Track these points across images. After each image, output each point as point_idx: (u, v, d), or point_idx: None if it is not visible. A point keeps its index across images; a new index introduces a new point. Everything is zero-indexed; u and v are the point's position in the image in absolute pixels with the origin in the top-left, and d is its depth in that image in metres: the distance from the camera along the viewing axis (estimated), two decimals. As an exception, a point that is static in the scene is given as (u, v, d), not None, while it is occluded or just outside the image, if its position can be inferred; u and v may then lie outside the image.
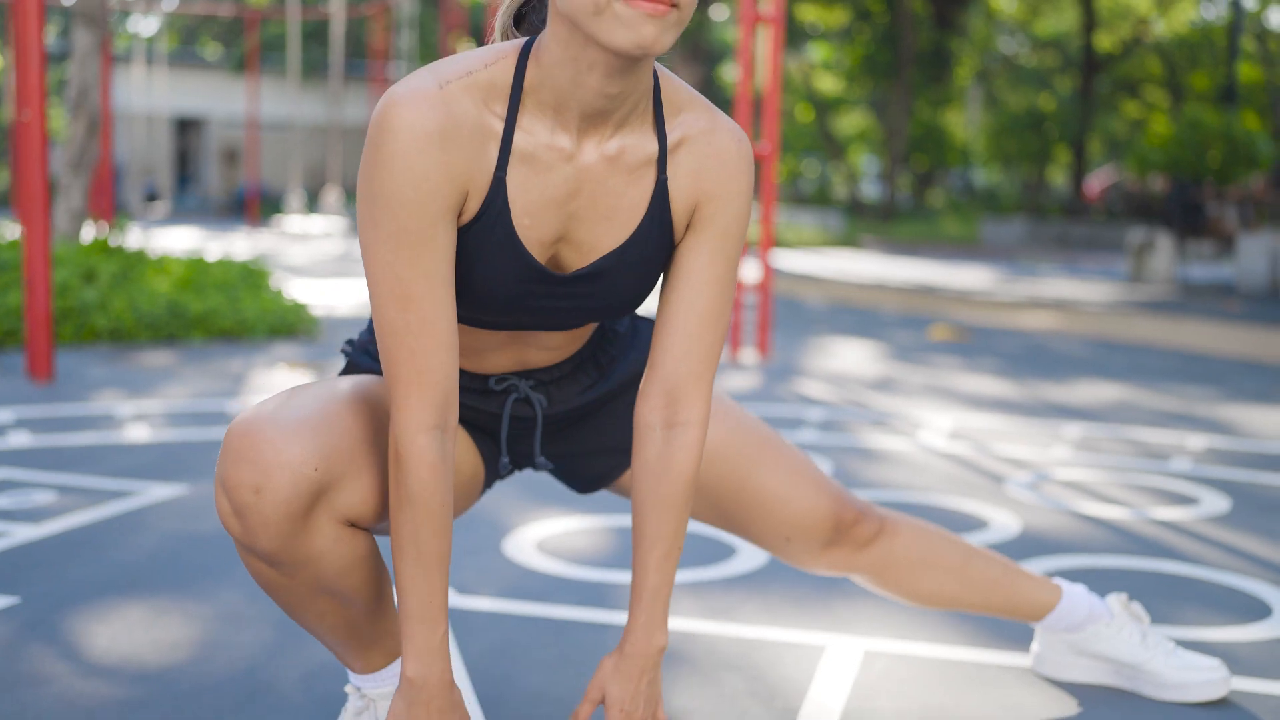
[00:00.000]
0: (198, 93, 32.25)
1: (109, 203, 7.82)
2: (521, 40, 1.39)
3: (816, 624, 2.23)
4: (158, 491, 3.05)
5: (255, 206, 22.21)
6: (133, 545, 2.60)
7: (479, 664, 1.99)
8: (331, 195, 22.71)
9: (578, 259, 1.43)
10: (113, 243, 6.67)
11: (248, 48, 16.34)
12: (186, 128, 33.27)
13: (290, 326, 6.34)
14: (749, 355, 6.07)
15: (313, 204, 26.62)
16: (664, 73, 1.44)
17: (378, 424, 1.44)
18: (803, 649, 2.10)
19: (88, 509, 2.86)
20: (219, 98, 32.07)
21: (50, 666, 1.93)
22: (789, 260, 15.05)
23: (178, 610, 2.20)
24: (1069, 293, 11.38)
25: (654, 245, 1.45)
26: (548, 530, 2.81)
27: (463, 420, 1.61)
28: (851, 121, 29.78)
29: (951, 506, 3.16)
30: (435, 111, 1.31)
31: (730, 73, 28.64)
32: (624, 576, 2.48)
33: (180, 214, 27.94)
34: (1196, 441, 4.15)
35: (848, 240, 18.92)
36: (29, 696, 1.81)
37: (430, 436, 1.35)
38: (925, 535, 1.87)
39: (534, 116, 1.37)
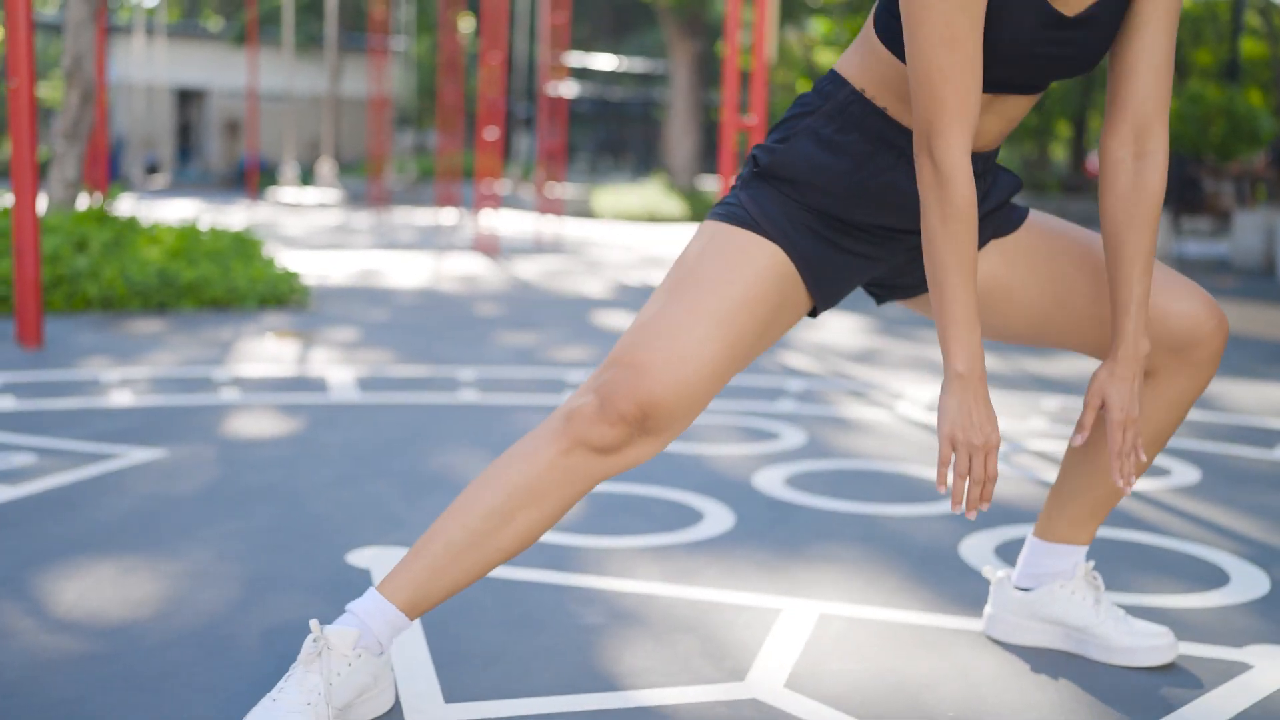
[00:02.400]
0: (199, 65, 32.18)
1: (104, 172, 7.84)
2: None
3: (775, 588, 2.27)
4: (137, 455, 3.09)
5: (255, 178, 22.21)
6: (108, 506, 2.63)
7: (437, 625, 2.02)
8: (325, 167, 22.68)
9: (1076, 4, 1.60)
10: (103, 211, 6.69)
11: (247, 19, 16.29)
12: (188, 99, 33.22)
13: (281, 295, 6.37)
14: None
15: (308, 176, 26.60)
16: None
17: (731, 368, 1.66)
18: (758, 611, 2.14)
19: (66, 471, 2.90)
20: (220, 70, 32.01)
21: (16, 621, 1.96)
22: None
23: (147, 568, 2.24)
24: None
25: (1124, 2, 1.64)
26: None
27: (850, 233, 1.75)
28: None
29: (920, 475, 3.20)
30: None
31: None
32: (589, 541, 2.51)
33: (181, 185, 27.94)
34: (1174, 415, 4.18)
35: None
36: (-7, 650, 1.85)
37: (966, 160, 1.57)
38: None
39: None
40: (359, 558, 2.34)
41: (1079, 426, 1.75)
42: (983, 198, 1.79)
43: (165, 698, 1.71)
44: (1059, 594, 1.99)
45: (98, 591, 2.11)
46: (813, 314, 1.80)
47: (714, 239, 1.71)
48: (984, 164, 1.75)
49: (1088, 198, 21.53)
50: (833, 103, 1.70)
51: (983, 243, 1.81)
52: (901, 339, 6.05)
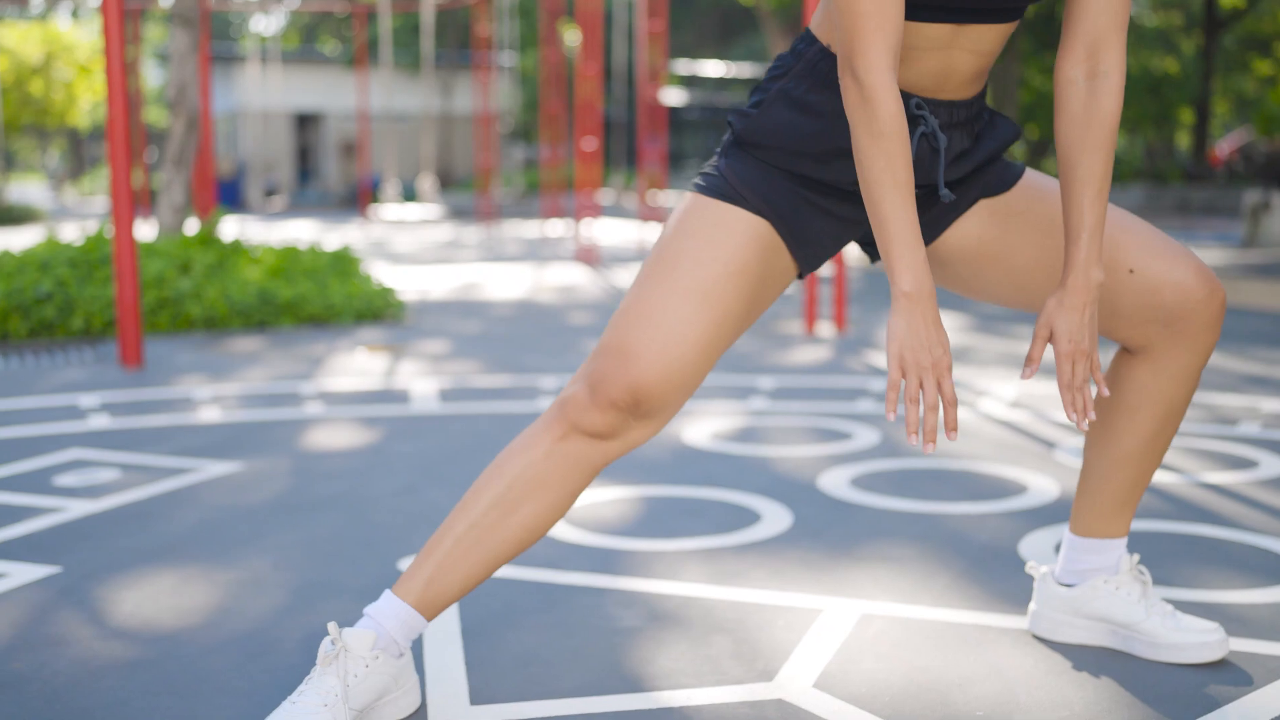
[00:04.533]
0: (316, 89, 33.01)
1: (210, 197, 8.09)
2: None
3: (820, 588, 2.25)
4: (215, 468, 3.18)
5: (366, 197, 22.71)
6: (179, 518, 2.72)
7: (474, 628, 2.05)
8: (426, 183, 23.08)
9: None
10: (208, 235, 6.91)
11: (358, 42, 16.71)
12: (306, 123, 34.08)
13: (377, 311, 6.50)
14: (825, 329, 6.04)
15: (411, 193, 27.09)
16: None
17: (717, 347, 1.67)
18: (798, 612, 2.12)
19: (145, 485, 3.00)
20: (336, 93, 32.78)
21: (74, 630, 2.04)
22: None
23: (203, 577, 2.31)
24: (1179, 259, 11.03)
25: None
26: (578, 501, 2.85)
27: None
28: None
29: (993, 472, 3.13)
30: None
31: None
32: (638, 544, 2.52)
33: (299, 207, 28.69)
34: (1271, 405, 4.03)
35: (957, 212, 18.60)
36: (47, 656, 1.92)
37: (892, 75, 1.53)
38: (1189, 403, 1.88)
39: None
40: (409, 564, 2.38)
41: (1027, 359, 1.67)
42: (973, 145, 1.73)
43: (200, 702, 1.76)
44: (1103, 589, 1.93)
45: (154, 600, 2.19)
46: (800, 277, 1.77)
47: (693, 213, 1.70)
48: (968, 110, 1.70)
49: (1212, 187, 20.84)
50: (804, 61, 1.68)
51: (971, 200, 1.77)
52: (995, 335, 5.93)
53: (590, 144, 11.04)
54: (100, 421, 3.81)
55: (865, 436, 3.59)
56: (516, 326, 6.43)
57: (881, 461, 3.27)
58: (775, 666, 1.88)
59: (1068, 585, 1.97)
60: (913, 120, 1.66)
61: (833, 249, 1.77)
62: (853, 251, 11.51)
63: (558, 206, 16.57)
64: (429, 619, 1.69)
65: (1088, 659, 1.91)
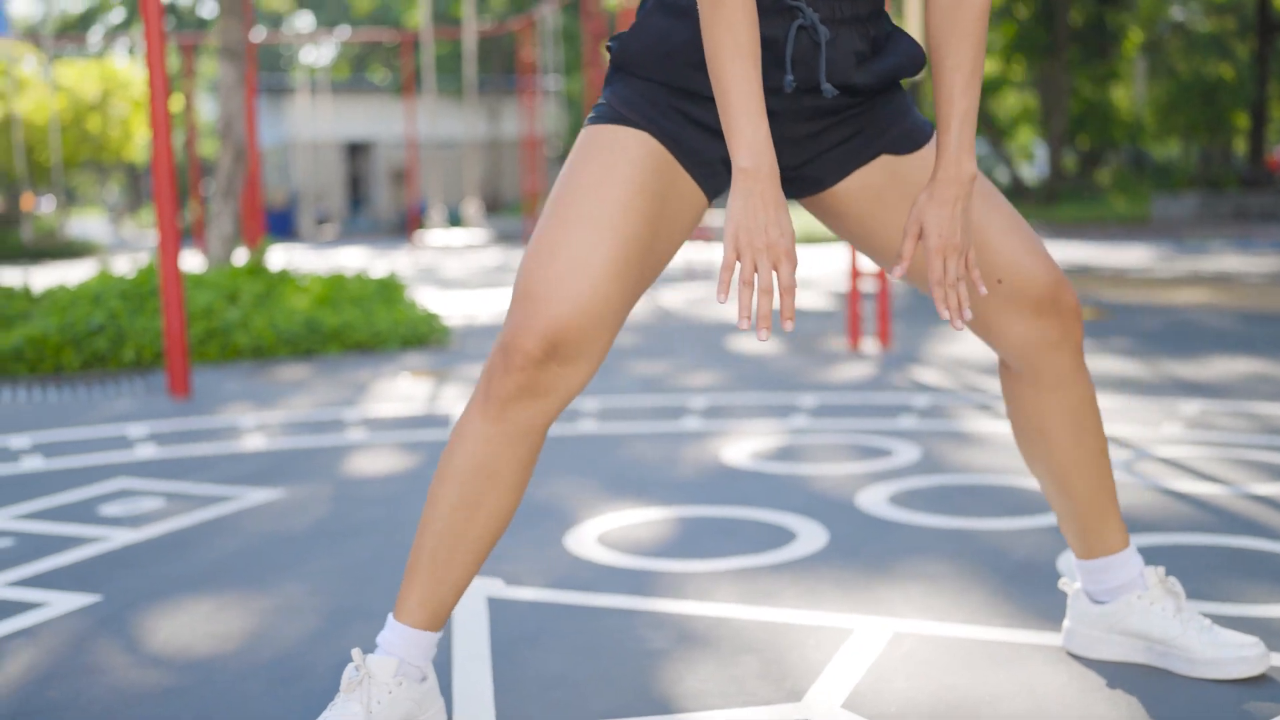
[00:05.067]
0: (366, 118, 33.40)
1: (259, 227, 8.21)
2: None
3: (852, 607, 2.23)
4: (255, 496, 3.22)
5: (415, 224, 22.90)
6: (219, 546, 2.75)
7: (503, 649, 2.05)
8: (471, 208, 23.25)
9: None
10: (256, 265, 7.00)
11: (405, 71, 16.89)
12: (356, 152, 34.48)
13: (422, 336, 6.55)
14: (870, 345, 6.01)
15: (456, 218, 27.29)
16: None
17: (628, 286, 1.60)
18: (829, 632, 2.10)
19: (187, 514, 3.04)
20: (386, 121, 33.15)
21: (111, 658, 2.07)
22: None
23: (239, 604, 2.33)
24: (1233, 266, 10.88)
25: None
26: (613, 523, 2.86)
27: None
28: (1011, 103, 28.98)
29: (1033, 487, 3.10)
30: None
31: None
32: (671, 565, 2.51)
33: (350, 235, 29.00)
34: (1322, 414, 3.95)
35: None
36: (82, 684, 1.95)
37: None
38: (1094, 402, 1.85)
39: None
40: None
41: (898, 256, 1.62)
42: (872, 52, 1.64)
43: (230, 727, 1.78)
44: (1136, 605, 1.90)
45: (190, 628, 2.21)
46: (709, 202, 1.70)
47: (583, 145, 1.65)
48: (854, 7, 1.62)
49: (1269, 193, 20.52)
50: None
51: (875, 153, 1.70)
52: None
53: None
54: (147, 451, 3.87)
55: (906, 453, 3.56)
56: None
57: (921, 478, 3.25)
58: (804, 687, 1.87)
59: (1100, 602, 1.94)
60: (789, 11, 1.59)
61: (724, 170, 1.68)
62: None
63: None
64: (438, 629, 1.69)
65: (1122, 675, 1.88)
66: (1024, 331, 1.76)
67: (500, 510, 1.65)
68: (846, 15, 1.62)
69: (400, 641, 1.66)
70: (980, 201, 1.72)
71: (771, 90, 1.61)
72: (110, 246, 22.90)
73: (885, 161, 1.72)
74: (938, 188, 1.59)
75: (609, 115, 1.65)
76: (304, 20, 41.50)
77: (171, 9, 38.83)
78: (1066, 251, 13.96)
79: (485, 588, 2.39)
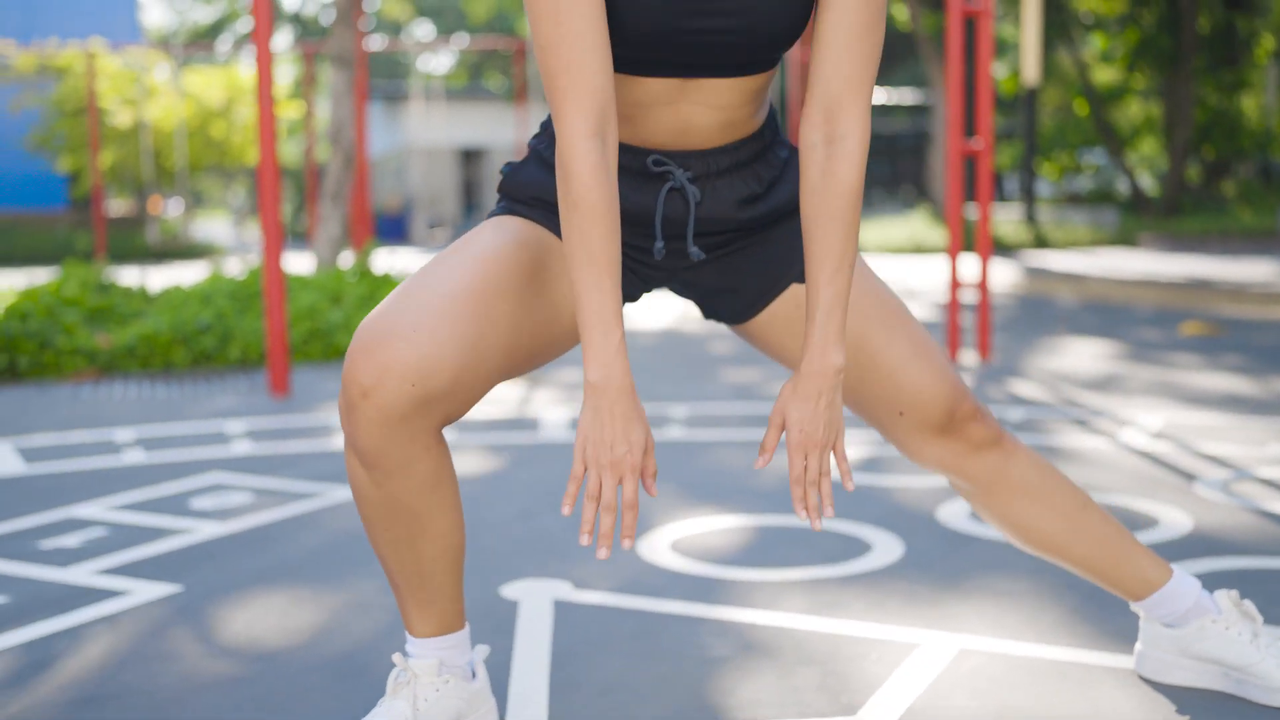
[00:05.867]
0: (480, 124, 33.86)
1: (366, 231, 8.37)
2: None
3: (921, 621, 2.19)
4: (339, 494, 3.28)
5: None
6: (300, 542, 2.81)
7: (563, 653, 2.06)
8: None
9: None
10: (361, 267, 7.14)
11: (519, 79, 17.12)
12: (471, 158, 34.98)
13: (520, 341, 6.60)
14: (969, 357, 5.91)
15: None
16: None
17: (489, 317, 1.50)
18: (893, 645, 2.07)
19: (273, 509, 3.11)
20: (500, 128, 33.57)
21: (184, 646, 2.13)
22: (1049, 260, 14.45)
23: (313, 599, 2.38)
24: (1363, 282, 10.45)
25: None
26: (688, 530, 2.85)
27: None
28: (1134, 112, 28.28)
29: (1124, 505, 3.01)
30: None
31: (998, 69, 27.73)
32: (741, 573, 2.50)
33: (464, 240, 29.40)
34: None
35: (1123, 238, 18.00)
36: (155, 670, 2.01)
37: (591, 143, 1.43)
38: (1043, 469, 1.82)
39: None
40: (511, 590, 2.41)
41: (761, 447, 1.54)
42: (766, 190, 1.63)
43: (288, 717, 1.81)
44: (1210, 629, 1.84)
45: (263, 620, 2.26)
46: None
47: (475, 229, 1.64)
48: (735, 155, 1.60)
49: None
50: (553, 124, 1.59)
51: (784, 285, 1.68)
52: (1148, 364, 5.71)
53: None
54: (242, 447, 3.96)
55: (994, 467, 3.48)
56: (657, 356, 6.46)
57: (1008, 493, 3.17)
58: (860, 700, 1.84)
59: (1172, 626, 1.88)
60: (659, 177, 1.58)
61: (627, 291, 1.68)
62: (999, 278, 11.25)
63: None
64: (460, 628, 1.68)
65: (1195, 701, 1.81)
66: (937, 452, 1.75)
67: (444, 529, 1.59)
68: (726, 165, 1.61)
69: (427, 650, 1.67)
70: (881, 331, 1.69)
71: (649, 251, 1.64)
72: (231, 248, 23.55)
73: (795, 291, 1.70)
74: (801, 381, 1.52)
75: (506, 210, 1.66)
76: (423, 29, 42.28)
77: (296, 18, 39.86)
78: (1186, 265, 13.57)
79: (553, 590, 2.40)
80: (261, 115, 4.99)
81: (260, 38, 4.95)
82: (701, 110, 1.55)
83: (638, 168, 1.60)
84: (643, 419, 1.47)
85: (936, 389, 1.71)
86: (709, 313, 1.78)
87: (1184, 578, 1.85)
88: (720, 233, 1.65)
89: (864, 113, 1.50)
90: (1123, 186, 27.44)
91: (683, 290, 1.75)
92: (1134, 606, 1.89)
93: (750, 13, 1.47)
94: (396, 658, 1.65)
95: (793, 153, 1.70)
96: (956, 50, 5.81)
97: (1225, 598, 1.85)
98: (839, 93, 1.49)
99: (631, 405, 1.45)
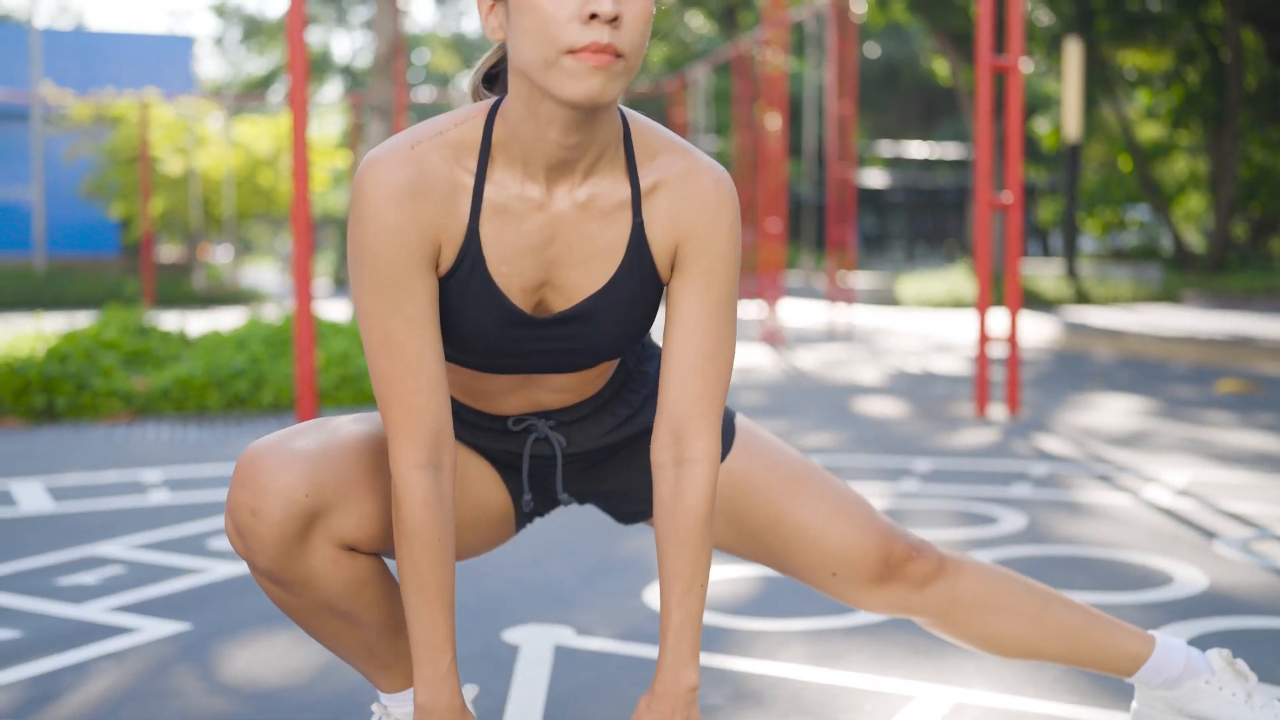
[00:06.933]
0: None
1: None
2: (491, 100, 1.50)
3: (919, 674, 2.18)
4: (356, 537, 3.30)
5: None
6: (311, 583, 2.83)
7: (559, 699, 2.06)
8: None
9: (563, 302, 1.51)
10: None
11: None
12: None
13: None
14: (997, 412, 5.88)
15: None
16: (637, 119, 1.51)
17: (380, 456, 1.55)
18: (888, 697, 2.06)
19: (289, 551, 3.14)
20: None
21: (186, 683, 2.15)
22: (1089, 316, 14.36)
23: (314, 641, 2.39)
24: None
25: (637, 286, 1.51)
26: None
27: (490, 458, 1.71)
28: (1179, 169, 28.13)
29: (1137, 561, 2.98)
30: (406, 169, 1.43)
31: (1040, 125, 27.71)
32: (744, 623, 2.50)
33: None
34: None
35: (1166, 294, 17.85)
36: (154, 707, 2.03)
37: (422, 474, 1.44)
38: (994, 577, 1.81)
39: (504, 169, 1.46)
40: (513, 635, 2.42)
41: None
42: (637, 410, 1.67)
43: (279, 757, 1.83)
44: (1204, 690, 1.82)
45: (265, 660, 2.28)
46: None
47: None
48: (598, 399, 1.64)
49: None
50: None
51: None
52: (1180, 421, 5.65)
53: (774, 225, 11.10)
54: (266, 490, 4.00)
55: (1011, 521, 3.47)
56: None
57: (1024, 547, 3.16)
58: (850, 751, 1.83)
59: (1166, 688, 1.86)
60: (525, 431, 1.63)
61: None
62: (1037, 333, 11.19)
63: (749, 288, 16.64)
64: (452, 659, 1.69)
65: (1189, 760, 1.79)
66: (883, 599, 1.75)
67: (375, 618, 1.59)
68: (589, 411, 1.65)
69: (403, 700, 1.68)
70: (793, 502, 1.71)
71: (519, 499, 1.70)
72: (278, 295, 23.86)
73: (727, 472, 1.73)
74: (655, 700, 1.50)
75: None
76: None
77: (346, 70, 40.52)
78: (1229, 322, 13.44)
79: (554, 635, 2.41)
80: (296, 165, 5.08)
81: (296, 90, 5.06)
82: (549, 393, 1.61)
83: (498, 428, 1.64)
84: None
85: (863, 544, 1.72)
86: (621, 517, 1.79)
87: (1168, 643, 1.83)
88: (588, 455, 1.68)
89: (713, 436, 1.50)
90: (1167, 243, 27.26)
91: (590, 500, 1.77)
92: (1127, 680, 1.88)
93: (587, 336, 1.51)
94: (375, 706, 1.67)
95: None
96: (986, 104, 5.83)
97: (1218, 657, 1.83)
98: (686, 416, 1.50)
99: None
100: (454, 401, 1.63)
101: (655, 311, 1.55)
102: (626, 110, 1.50)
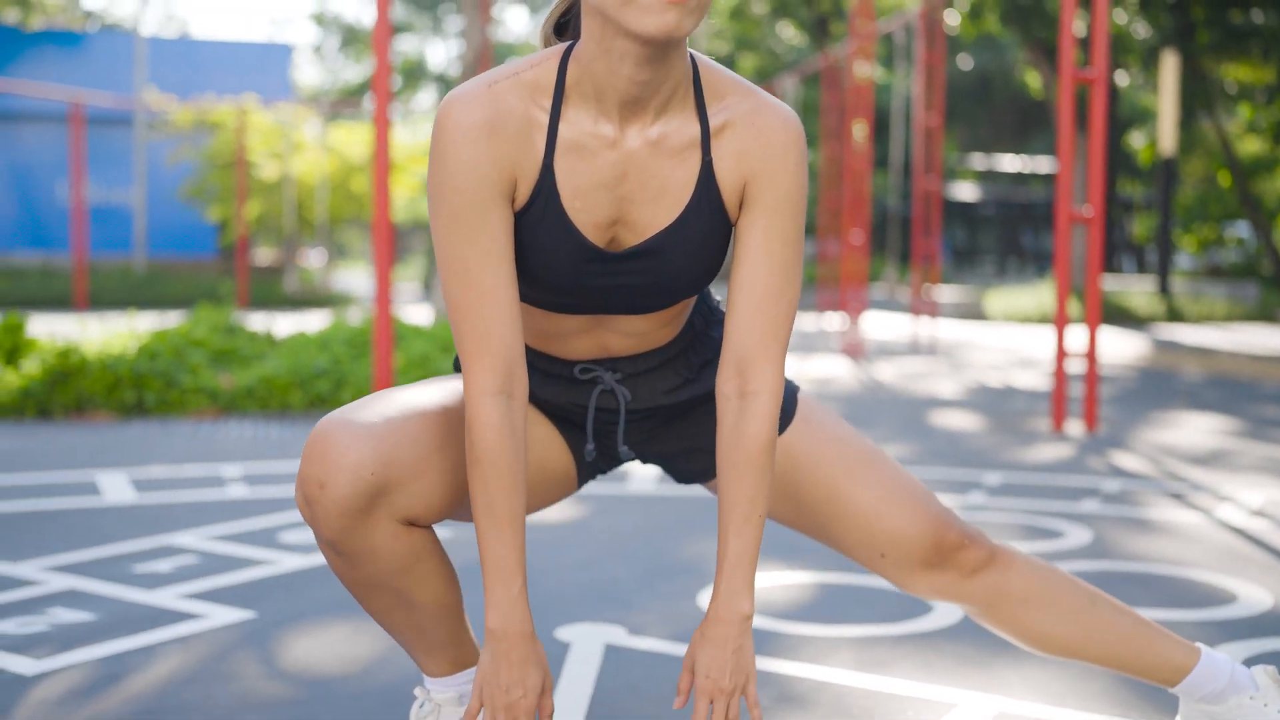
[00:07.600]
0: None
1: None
2: (564, 44, 1.55)
3: (964, 682, 2.18)
4: (422, 534, 3.38)
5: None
6: (375, 577, 2.91)
7: (603, 695, 2.10)
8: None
9: (634, 238, 1.56)
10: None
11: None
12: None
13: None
14: (1074, 428, 5.80)
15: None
16: (704, 61, 1.56)
17: (448, 431, 1.58)
18: (931, 704, 2.07)
19: (356, 546, 3.22)
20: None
21: (246, 668, 2.23)
22: (1180, 334, 14.06)
23: (374, 631, 2.46)
24: None
25: (706, 223, 1.55)
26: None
27: (553, 415, 1.75)
28: (1279, 186, 27.43)
29: (1205, 579, 2.94)
30: (484, 108, 1.49)
31: (1136, 139, 27.18)
32: (795, 627, 2.51)
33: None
34: None
35: (1263, 314, 17.41)
36: (215, 690, 2.11)
37: (495, 401, 1.49)
38: (1045, 574, 1.81)
39: (578, 108, 1.52)
40: (566, 633, 2.47)
41: (677, 689, 1.56)
42: (697, 374, 1.70)
43: (329, 740, 1.89)
44: (1248, 706, 1.80)
45: (325, 648, 2.36)
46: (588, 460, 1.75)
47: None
48: (664, 354, 1.68)
49: None
50: None
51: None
52: (1263, 441, 5.53)
53: (858, 237, 11.05)
54: (340, 487, 4.10)
55: (1077, 536, 3.43)
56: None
57: (1088, 562, 3.13)
58: (886, 756, 1.85)
59: (1209, 703, 1.85)
60: (590, 381, 1.66)
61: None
62: (1124, 350, 10.99)
63: (833, 299, 16.57)
64: (476, 663, 1.72)
65: (1230, 777, 1.78)
66: (931, 583, 1.76)
67: (428, 598, 1.63)
68: (654, 364, 1.68)
69: (447, 685, 1.72)
70: (848, 480, 1.73)
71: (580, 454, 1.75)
72: (366, 299, 24.25)
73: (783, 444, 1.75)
74: (709, 627, 1.53)
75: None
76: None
77: (440, 78, 41.09)
78: (1327, 342, 13.08)
79: (606, 634, 2.45)
80: (377, 171, 5.20)
81: (379, 101, 5.17)
82: (618, 337, 1.65)
83: (565, 375, 1.68)
84: (541, 663, 1.52)
85: (916, 528, 1.73)
86: (681, 476, 1.82)
87: (1214, 656, 1.82)
88: (651, 412, 1.72)
89: (776, 369, 1.54)
90: (1267, 261, 26.57)
91: (651, 460, 1.80)
92: (1171, 690, 1.87)
93: (657, 272, 1.55)
94: (418, 690, 1.72)
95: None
96: (1067, 117, 5.77)
97: (1264, 674, 1.82)
98: (751, 349, 1.54)
99: (529, 650, 1.51)
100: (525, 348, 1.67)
101: (724, 250, 1.59)
102: (694, 52, 1.55)
